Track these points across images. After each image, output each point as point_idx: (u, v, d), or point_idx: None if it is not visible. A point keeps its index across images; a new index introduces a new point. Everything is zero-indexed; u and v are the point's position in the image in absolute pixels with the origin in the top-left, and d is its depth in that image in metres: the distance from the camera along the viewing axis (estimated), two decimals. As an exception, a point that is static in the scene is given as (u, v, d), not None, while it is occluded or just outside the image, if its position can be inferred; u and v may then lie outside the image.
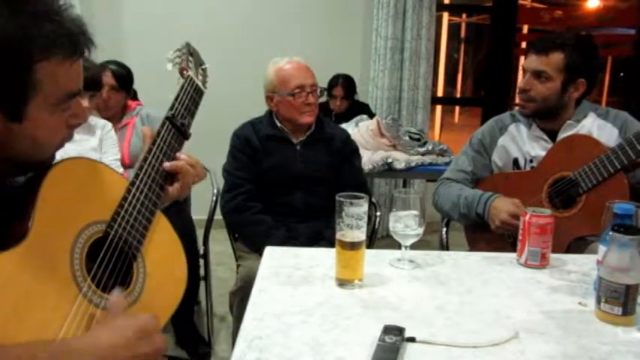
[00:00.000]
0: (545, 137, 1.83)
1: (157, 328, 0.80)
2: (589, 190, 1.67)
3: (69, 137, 0.90)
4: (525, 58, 1.83)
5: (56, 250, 0.83)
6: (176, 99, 1.13)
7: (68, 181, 0.88)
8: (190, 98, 1.15)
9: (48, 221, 0.82)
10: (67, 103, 0.86)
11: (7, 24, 0.75)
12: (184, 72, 1.20)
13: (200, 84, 1.21)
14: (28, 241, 0.78)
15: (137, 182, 0.99)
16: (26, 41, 0.77)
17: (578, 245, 1.67)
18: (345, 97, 3.77)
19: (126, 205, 0.96)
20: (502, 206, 1.68)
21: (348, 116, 3.62)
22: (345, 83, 3.77)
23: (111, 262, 0.91)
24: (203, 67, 1.29)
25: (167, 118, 1.09)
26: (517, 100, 1.88)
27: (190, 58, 1.24)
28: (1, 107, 0.79)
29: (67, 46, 0.81)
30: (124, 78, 2.63)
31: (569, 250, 1.64)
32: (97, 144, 2.25)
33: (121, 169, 2.25)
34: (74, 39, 0.82)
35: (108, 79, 2.55)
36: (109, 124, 2.33)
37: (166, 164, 1.05)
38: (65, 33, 0.81)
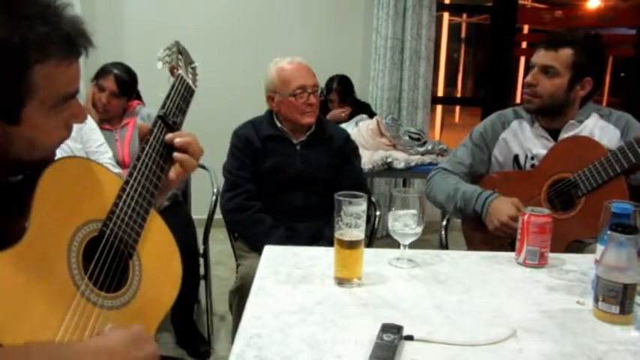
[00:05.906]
0: (547, 136, 1.83)
1: (149, 336, 0.84)
2: (588, 193, 1.67)
3: (68, 136, 0.91)
4: (534, 54, 1.81)
5: (53, 249, 0.83)
6: (167, 97, 1.13)
7: (63, 180, 0.89)
8: (181, 97, 1.15)
9: (44, 221, 0.82)
10: (64, 105, 0.86)
11: (1, 28, 0.75)
12: (175, 70, 1.20)
13: (190, 82, 1.21)
14: (25, 241, 0.78)
15: (131, 181, 1.00)
16: (21, 44, 0.76)
17: (576, 248, 1.66)
18: (341, 101, 3.72)
19: (121, 203, 0.96)
20: (502, 207, 1.66)
21: (348, 116, 3.62)
22: (338, 87, 3.71)
23: (107, 260, 0.92)
24: (193, 65, 1.28)
25: (159, 116, 1.09)
26: (520, 97, 1.87)
27: (180, 57, 1.24)
28: None
29: (63, 47, 0.81)
30: (127, 84, 2.59)
31: (567, 252, 1.64)
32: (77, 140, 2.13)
33: (107, 155, 2.19)
34: (71, 40, 0.82)
35: (110, 84, 2.53)
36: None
37: (177, 140, 1.06)
38: (61, 34, 0.80)
